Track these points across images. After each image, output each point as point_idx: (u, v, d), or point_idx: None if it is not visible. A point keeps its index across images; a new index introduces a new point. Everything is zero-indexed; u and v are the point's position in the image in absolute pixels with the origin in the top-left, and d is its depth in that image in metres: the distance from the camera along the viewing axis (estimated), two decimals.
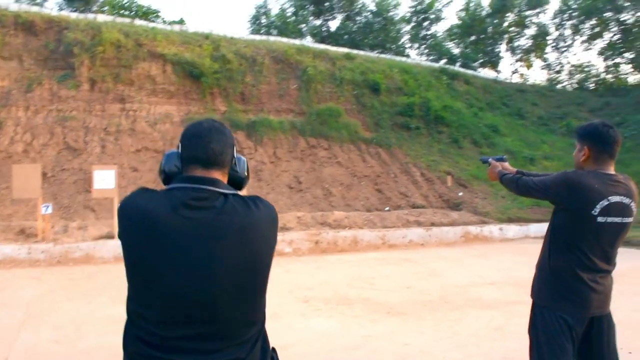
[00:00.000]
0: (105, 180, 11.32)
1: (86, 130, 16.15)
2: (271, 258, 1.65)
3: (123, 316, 1.60)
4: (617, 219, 2.64)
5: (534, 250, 10.56)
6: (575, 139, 2.90)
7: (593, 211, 2.60)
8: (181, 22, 30.19)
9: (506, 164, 3.42)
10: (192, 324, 1.49)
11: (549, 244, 2.85)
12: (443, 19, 43.98)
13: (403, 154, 20.51)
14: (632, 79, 37.36)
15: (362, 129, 21.05)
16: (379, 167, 19.00)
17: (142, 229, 1.50)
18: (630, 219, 2.69)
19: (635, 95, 29.87)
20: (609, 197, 2.61)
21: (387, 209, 16.38)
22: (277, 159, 17.73)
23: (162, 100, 17.98)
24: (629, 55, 37.18)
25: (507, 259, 11.63)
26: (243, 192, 1.72)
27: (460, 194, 18.39)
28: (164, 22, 28.12)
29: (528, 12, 40.09)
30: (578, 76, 40.40)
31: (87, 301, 7.07)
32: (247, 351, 1.56)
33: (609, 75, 38.60)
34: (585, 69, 40.09)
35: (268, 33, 30.55)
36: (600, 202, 2.60)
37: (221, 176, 1.64)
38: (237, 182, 1.73)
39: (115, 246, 10.39)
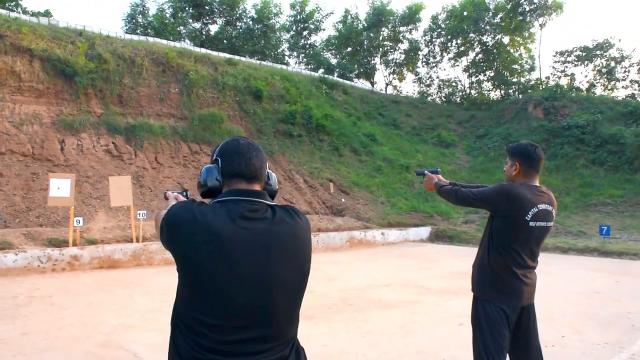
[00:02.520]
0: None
1: None
2: (311, 262, 1.77)
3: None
4: (543, 223, 3.09)
5: (415, 253, 11.43)
6: (507, 155, 3.32)
7: (526, 217, 3.02)
8: (47, 14, 28.04)
9: (440, 176, 3.66)
10: (251, 328, 1.58)
11: (488, 246, 3.19)
12: (322, 29, 44.94)
13: (286, 161, 20.72)
14: (493, 94, 40.95)
15: (245, 135, 20.94)
16: None
17: (206, 239, 1.55)
18: (552, 223, 3.18)
19: (496, 110, 32.73)
20: (538, 205, 3.05)
21: None
22: (159, 165, 17.09)
23: (29, 100, 16.53)
24: (489, 73, 40.69)
25: (393, 262, 12.21)
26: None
27: (343, 200, 18.94)
28: (26, 12, 25.89)
29: (402, 28, 42.37)
30: (446, 90, 43.44)
31: None
32: (290, 348, 1.68)
33: (473, 91, 41.95)
34: (452, 84, 43.24)
35: (145, 33, 29.29)
36: (532, 210, 3.03)
37: (261, 188, 1.76)
38: (270, 194, 1.83)
39: None
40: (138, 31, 31.82)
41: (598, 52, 36.02)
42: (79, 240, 11.77)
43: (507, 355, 3.15)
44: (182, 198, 2.88)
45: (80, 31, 19.90)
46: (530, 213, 3.02)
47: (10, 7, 26.49)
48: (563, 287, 8.97)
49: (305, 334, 6.49)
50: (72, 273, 10.55)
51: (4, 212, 12.45)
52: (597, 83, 36.97)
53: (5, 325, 6.29)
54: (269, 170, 1.85)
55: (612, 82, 36.49)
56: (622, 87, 36.78)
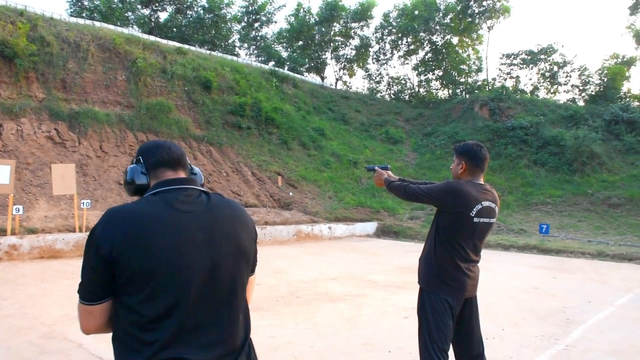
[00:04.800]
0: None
1: None
2: (256, 247, 1.80)
3: None
4: (487, 220, 3.24)
5: (362, 248, 11.63)
6: (454, 154, 3.48)
7: (471, 213, 3.16)
8: None
9: (390, 172, 3.77)
10: (202, 309, 1.58)
11: (434, 240, 3.33)
12: (274, 22, 44.73)
13: (234, 153, 20.58)
14: (441, 94, 41.87)
15: (193, 126, 20.70)
16: (211, 166, 18.85)
17: (154, 229, 1.54)
18: (494, 220, 3.34)
19: (444, 109, 33.48)
20: (482, 202, 3.20)
21: None
22: (104, 154, 16.64)
23: None
24: (438, 72, 41.58)
25: (340, 256, 12.37)
26: None
27: (291, 194, 19.00)
28: None
29: (353, 24, 42.70)
30: (395, 87, 44.08)
31: None
32: (244, 340, 1.70)
33: (422, 89, 42.77)
34: (402, 82, 43.92)
35: (91, 17, 28.35)
36: (476, 206, 3.18)
37: (187, 177, 1.78)
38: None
39: None
40: (84, 15, 30.80)
41: (542, 57, 37.39)
42: (18, 229, 11.36)
43: (451, 345, 3.29)
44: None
45: (22, 11, 19.05)
46: (474, 209, 3.16)
47: None
48: (504, 283, 9.34)
49: (253, 325, 6.53)
50: (10, 263, 10.20)
51: None
52: (540, 86, 38.41)
53: None
54: (193, 165, 1.88)
55: (555, 86, 37.99)
56: (564, 91, 38.41)
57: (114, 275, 1.52)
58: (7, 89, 16.43)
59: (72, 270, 9.48)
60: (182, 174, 1.76)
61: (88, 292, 1.57)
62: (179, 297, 1.53)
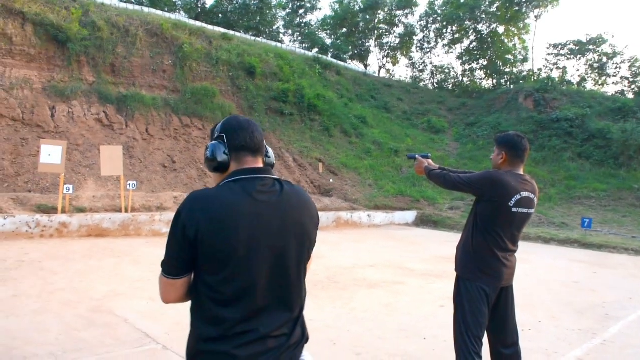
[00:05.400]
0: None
1: None
2: (316, 233, 1.92)
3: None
4: (525, 210, 3.28)
5: (400, 236, 11.64)
6: (494, 145, 3.51)
7: (510, 203, 3.21)
8: None
9: (430, 161, 3.81)
10: (270, 295, 1.73)
11: (472, 229, 3.38)
12: (319, 9, 44.63)
13: (276, 139, 20.77)
14: (485, 83, 41.10)
15: (237, 111, 20.93)
16: None
17: (236, 215, 1.67)
18: (533, 210, 3.37)
19: (487, 99, 32.87)
20: (521, 193, 3.25)
21: None
22: (150, 137, 17.06)
23: (20, 64, 16.34)
24: (482, 62, 40.80)
25: (378, 243, 12.43)
26: None
27: (332, 180, 19.08)
28: None
29: (398, 12, 42.26)
30: (439, 77, 43.54)
31: None
32: (297, 323, 1.84)
33: (466, 79, 42.06)
34: (446, 71, 43.31)
35: (140, 3, 28.95)
36: (515, 196, 3.22)
37: (263, 162, 1.89)
38: (268, 165, 1.95)
39: None
40: (133, 0, 31.40)
41: (591, 47, 36.26)
42: (68, 208, 11.80)
43: (485, 333, 3.34)
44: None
45: None
46: (513, 199, 3.20)
47: None
48: (543, 276, 9.21)
49: None
50: (60, 240, 10.62)
51: None
52: (588, 77, 37.32)
53: None
54: (266, 145, 1.96)
55: (603, 78, 36.85)
56: (613, 83, 37.31)
57: (196, 255, 1.66)
58: (60, 73, 16.98)
59: (117, 249, 9.83)
60: (260, 161, 1.86)
61: (173, 267, 1.72)
62: (253, 279, 1.68)
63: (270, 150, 1.99)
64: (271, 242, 1.71)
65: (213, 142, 1.87)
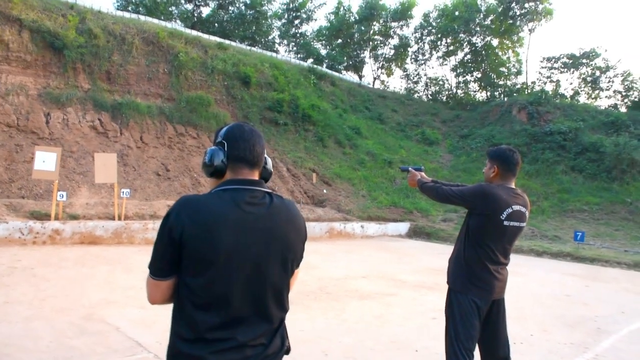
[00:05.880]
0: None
1: None
2: (303, 247, 1.96)
3: None
4: (517, 223, 3.32)
5: (393, 247, 11.66)
6: (486, 158, 3.56)
7: (501, 216, 3.25)
8: None
9: (423, 173, 3.86)
10: (249, 302, 1.76)
11: (464, 241, 3.42)
12: (314, 19, 44.87)
13: (271, 149, 20.82)
14: (479, 96, 41.39)
15: (232, 120, 20.95)
16: None
17: (220, 223, 1.70)
18: (524, 224, 3.41)
19: (481, 111, 33.08)
20: (512, 206, 3.29)
21: None
22: (144, 145, 17.08)
23: (17, 70, 16.37)
24: (477, 74, 41.09)
25: (371, 254, 12.47)
26: None
27: (325, 191, 19.14)
28: None
29: (393, 24, 42.54)
30: (433, 88, 43.79)
31: None
32: (276, 332, 1.85)
33: (460, 91, 42.34)
34: (440, 83, 43.57)
35: (137, 11, 29.08)
36: (506, 210, 3.26)
37: (259, 174, 1.92)
38: (266, 177, 1.98)
39: None
40: (130, 8, 31.58)
41: (584, 61, 36.61)
42: (61, 215, 11.80)
43: (476, 346, 3.37)
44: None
45: (72, 5, 19.69)
46: (505, 213, 3.24)
47: None
48: (535, 289, 9.28)
49: None
50: (53, 247, 10.62)
51: None
52: (581, 91, 37.66)
53: None
54: (265, 155, 1.99)
55: (596, 91, 37.19)
56: (606, 96, 37.57)
57: (180, 257, 1.70)
58: (56, 79, 17.02)
59: (110, 257, 9.83)
60: (256, 174, 1.89)
61: (158, 269, 1.76)
62: (231, 287, 1.71)
63: (269, 160, 2.02)
64: (253, 253, 1.74)
65: (213, 147, 1.90)
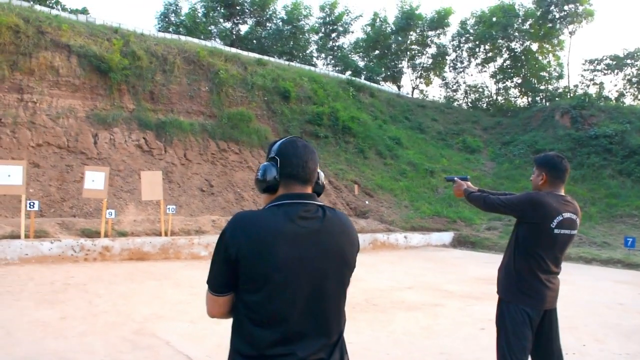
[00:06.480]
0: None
1: None
2: (356, 258, 1.95)
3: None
4: (567, 231, 3.28)
5: (438, 258, 11.55)
6: (534, 165, 3.52)
7: (551, 224, 3.21)
8: (85, 11, 28.72)
9: (469, 183, 3.83)
10: (310, 317, 1.76)
11: (514, 251, 3.38)
12: (351, 32, 44.98)
13: None
14: (519, 101, 40.58)
15: (273, 135, 21.22)
16: None
17: (275, 239, 1.72)
18: (575, 231, 3.36)
19: (522, 117, 32.43)
20: (563, 214, 3.24)
21: None
22: (188, 161, 17.45)
23: (66, 94, 17.04)
24: (517, 80, 40.35)
25: (416, 265, 12.37)
26: None
27: (367, 202, 19.10)
28: (64, 9, 26.60)
29: (430, 32, 42.24)
30: (472, 96, 43.16)
31: (6, 305, 6.73)
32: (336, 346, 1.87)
33: (500, 97, 41.61)
34: (479, 90, 42.96)
35: (177, 32, 29.86)
36: (557, 218, 3.22)
37: (312, 189, 1.93)
38: (318, 192, 1.99)
39: (21, 246, 9.88)
40: (170, 29, 32.44)
41: (629, 61, 35.48)
42: (110, 232, 12.15)
43: (529, 357, 3.31)
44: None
45: (116, 29, 20.40)
46: (555, 221, 3.20)
47: (51, 5, 27.20)
48: (586, 297, 9.01)
49: None
50: (103, 263, 10.94)
51: (41, 202, 12.88)
52: (626, 92, 36.43)
53: (45, 310, 6.63)
54: (318, 169, 1.99)
55: None
56: None
57: (237, 274, 1.74)
58: (102, 101, 17.62)
59: (158, 272, 10.05)
60: (309, 189, 1.89)
61: (216, 285, 1.81)
62: (289, 304, 1.72)
63: (322, 175, 2.02)
64: (310, 268, 1.74)
65: (266, 163, 1.91)
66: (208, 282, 1.84)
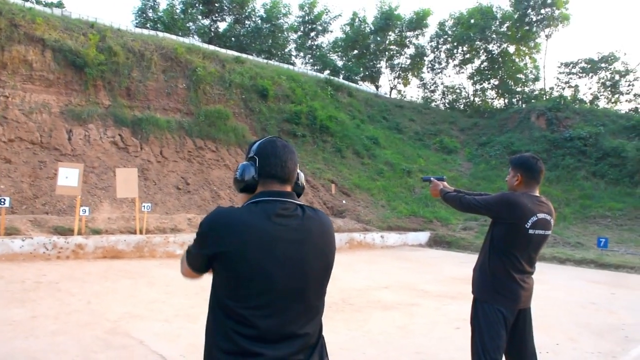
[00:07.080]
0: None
1: None
2: (334, 255, 1.95)
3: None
4: (542, 232, 3.31)
5: (414, 257, 11.61)
6: (509, 166, 3.56)
7: (526, 225, 3.24)
8: (60, 5, 28.24)
9: (445, 183, 3.86)
10: (288, 309, 1.76)
11: (489, 251, 3.41)
12: (330, 31, 44.98)
13: None
14: (496, 103, 41.08)
15: (250, 133, 21.13)
16: None
17: (252, 238, 1.71)
18: (550, 232, 3.40)
19: (499, 118, 32.87)
20: (537, 214, 3.28)
21: None
22: (164, 159, 17.27)
23: (40, 89, 16.70)
24: (494, 81, 40.85)
25: (392, 264, 12.43)
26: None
27: (344, 202, 19.13)
28: (39, 2, 26.07)
29: (408, 33, 42.51)
30: (450, 97, 43.55)
31: None
32: (318, 340, 1.89)
33: (477, 99, 42.08)
34: (457, 91, 43.38)
35: (155, 28, 29.49)
36: (531, 218, 3.25)
37: (291, 189, 1.92)
38: (298, 193, 1.98)
39: None
40: (148, 25, 32.04)
41: (603, 65, 36.14)
42: (84, 230, 11.96)
43: (503, 356, 3.34)
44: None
45: (92, 23, 20.09)
46: (530, 221, 3.23)
47: None
48: (559, 297, 9.15)
49: None
50: (76, 261, 10.76)
51: (12, 198, 12.62)
52: (600, 96, 37.13)
53: (15, 309, 6.49)
54: (298, 170, 1.99)
55: (616, 96, 36.64)
56: (626, 100, 36.94)
57: (213, 264, 1.78)
58: (77, 97, 17.32)
59: (132, 271, 9.93)
60: (288, 188, 1.89)
61: (195, 266, 1.87)
62: (269, 301, 1.72)
63: (301, 175, 2.01)
64: (288, 266, 1.74)
65: (244, 162, 1.91)
66: (187, 257, 1.90)
